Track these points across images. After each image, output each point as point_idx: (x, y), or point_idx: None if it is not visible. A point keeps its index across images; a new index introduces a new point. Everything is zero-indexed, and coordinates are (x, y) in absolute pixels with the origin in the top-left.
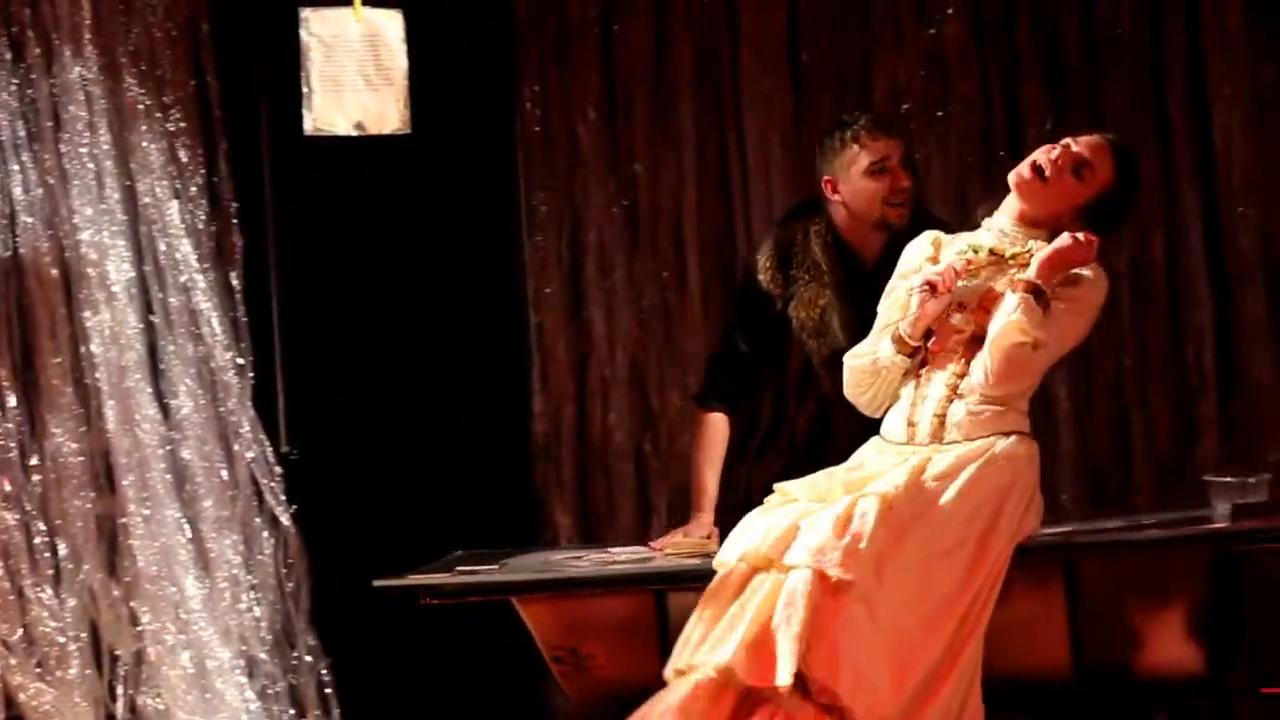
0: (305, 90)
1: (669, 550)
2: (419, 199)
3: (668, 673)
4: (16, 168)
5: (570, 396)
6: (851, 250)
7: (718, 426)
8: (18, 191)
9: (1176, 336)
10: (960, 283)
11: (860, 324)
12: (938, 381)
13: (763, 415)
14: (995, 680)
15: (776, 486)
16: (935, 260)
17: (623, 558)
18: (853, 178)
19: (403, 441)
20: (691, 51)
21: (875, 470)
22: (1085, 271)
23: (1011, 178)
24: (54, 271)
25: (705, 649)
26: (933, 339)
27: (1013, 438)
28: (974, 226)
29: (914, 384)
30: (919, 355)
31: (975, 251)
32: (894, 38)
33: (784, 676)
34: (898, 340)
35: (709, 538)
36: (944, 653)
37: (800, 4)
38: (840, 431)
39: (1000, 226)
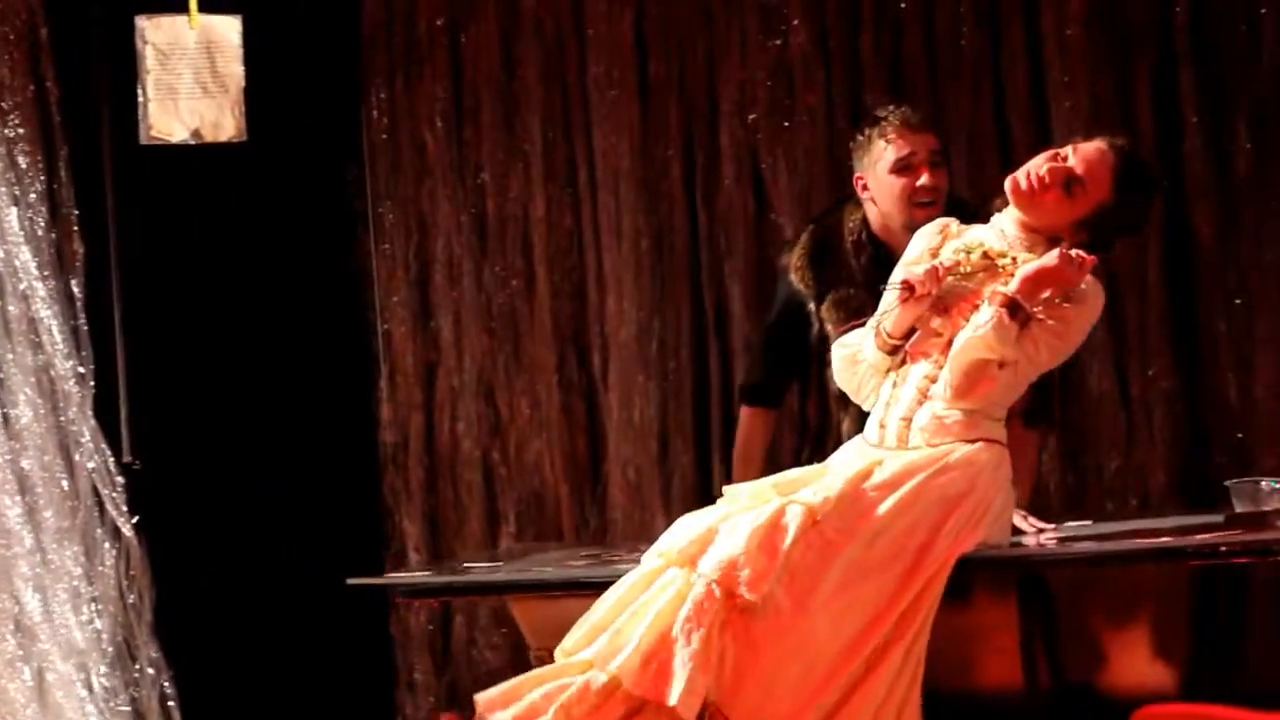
0: (141, 99)
1: None
2: (264, 207)
3: (558, 650)
4: None
5: (418, 405)
6: (885, 250)
7: (759, 424)
8: None
9: None
10: (951, 279)
11: None
12: (911, 383)
13: (809, 419)
14: (948, 700)
15: (725, 489)
16: (936, 253)
17: (622, 558)
18: (879, 174)
19: (248, 451)
20: (539, 61)
21: (825, 472)
22: (1081, 286)
23: (1007, 183)
24: None
25: (602, 640)
26: (915, 337)
27: (977, 445)
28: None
29: (892, 384)
30: (900, 354)
31: (968, 252)
32: (740, 48)
33: (674, 697)
34: (878, 336)
35: None
36: (863, 673)
37: (647, 14)
38: None
39: (1003, 226)
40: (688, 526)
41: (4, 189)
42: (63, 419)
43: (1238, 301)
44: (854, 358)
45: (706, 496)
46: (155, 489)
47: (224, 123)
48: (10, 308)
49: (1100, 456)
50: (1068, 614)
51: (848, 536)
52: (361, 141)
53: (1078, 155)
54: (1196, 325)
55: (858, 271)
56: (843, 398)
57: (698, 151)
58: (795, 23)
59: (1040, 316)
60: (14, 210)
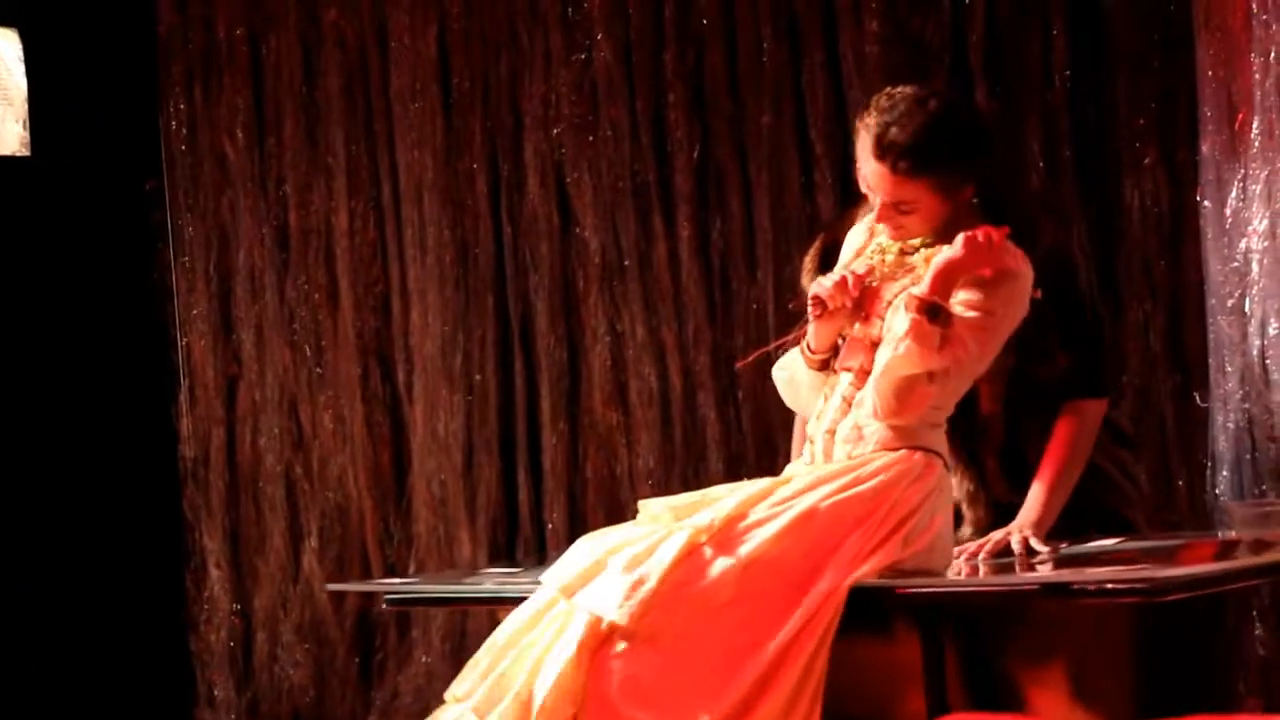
0: None
1: None
2: (60, 220)
3: (448, 694)
4: None
5: (219, 419)
6: None
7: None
8: None
9: None
10: (872, 281)
11: None
12: (837, 393)
13: None
14: None
15: (641, 504)
16: (861, 251)
17: None
18: (862, 166)
19: (45, 466)
20: (341, 72)
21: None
22: (1005, 263)
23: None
24: None
25: (486, 686)
26: (842, 348)
27: (900, 453)
28: None
29: (823, 397)
30: (829, 368)
31: (883, 253)
32: (544, 62)
33: None
34: (803, 354)
35: None
36: (750, 702)
37: (450, 27)
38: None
39: None
40: (579, 554)
41: None
42: None
43: None
44: (792, 379)
45: (512, 510)
46: None
47: (7, 136)
48: None
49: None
50: (969, 647)
51: (729, 560)
52: (160, 152)
53: (874, 184)
54: None
55: None
56: None
57: (502, 165)
58: (599, 37)
59: (961, 311)
60: None
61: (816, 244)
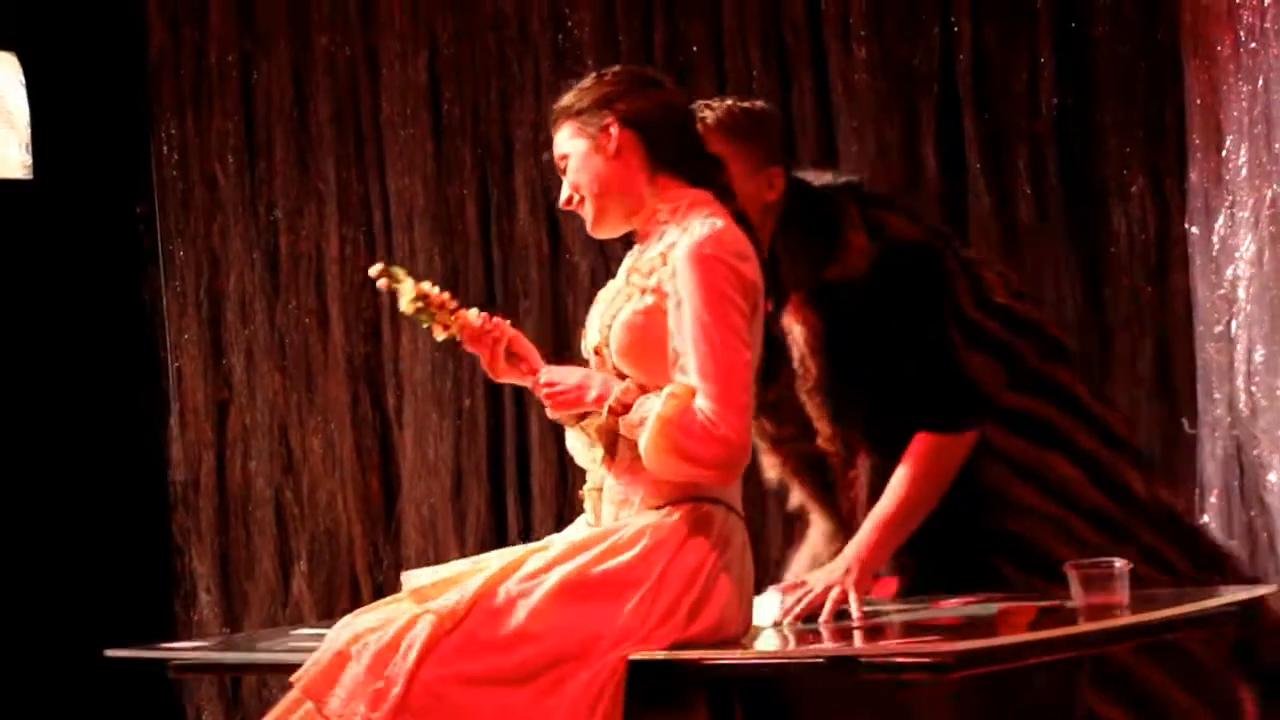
0: None
1: None
2: (51, 244)
3: None
4: None
5: (209, 444)
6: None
7: None
8: None
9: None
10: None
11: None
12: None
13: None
14: None
15: (404, 576)
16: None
17: None
18: None
19: (35, 490)
20: (332, 98)
21: (488, 563)
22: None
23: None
24: None
25: None
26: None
27: (662, 511)
28: None
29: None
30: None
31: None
32: (534, 88)
33: None
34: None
35: None
36: None
37: (440, 54)
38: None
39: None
40: (326, 645)
41: None
42: None
43: None
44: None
45: (501, 535)
46: None
47: (10, 159)
48: None
49: None
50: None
51: (485, 647)
52: (151, 177)
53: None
54: None
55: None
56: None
57: (492, 191)
58: (589, 63)
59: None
60: None
61: None
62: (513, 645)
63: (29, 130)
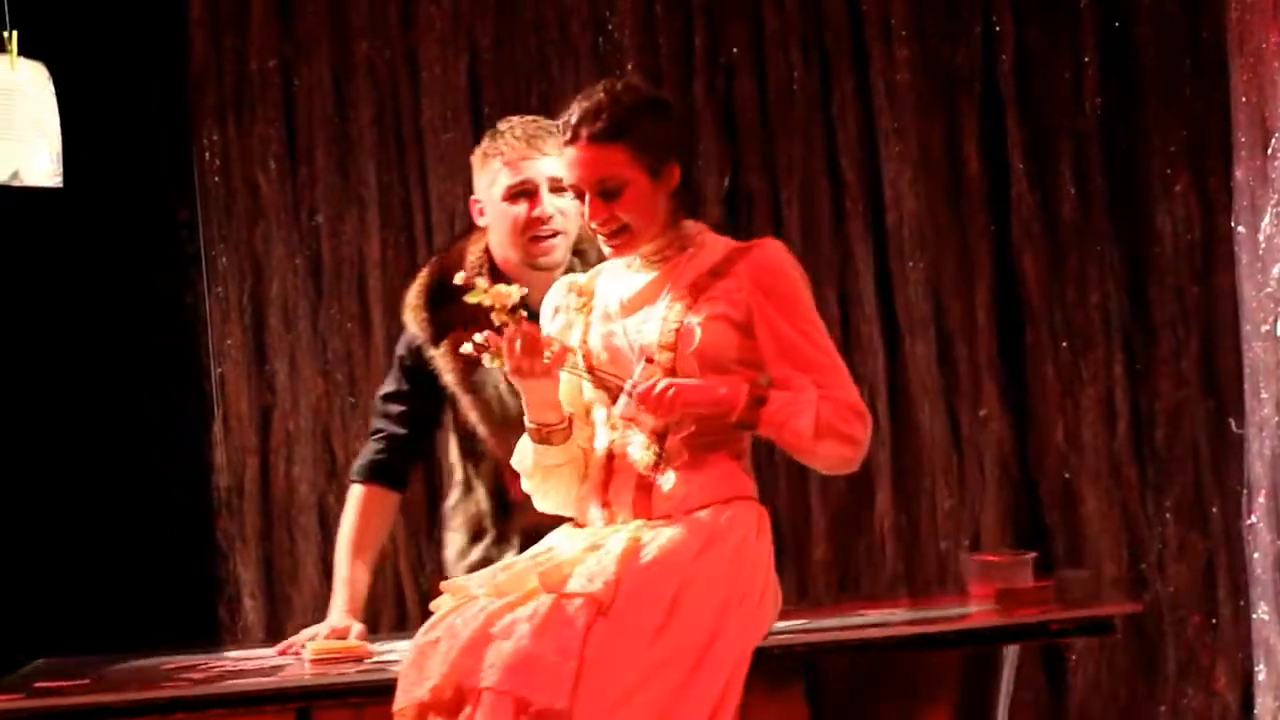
0: None
1: (310, 653)
2: (93, 251)
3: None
4: None
5: (253, 449)
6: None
7: (376, 504)
8: None
9: None
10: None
11: None
12: (633, 448)
13: (454, 472)
14: None
15: (444, 585)
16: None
17: (250, 666)
18: (566, 175)
19: (80, 496)
20: (373, 103)
21: (569, 556)
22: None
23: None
24: None
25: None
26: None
27: (726, 507)
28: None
29: (605, 458)
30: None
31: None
32: (574, 92)
33: None
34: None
35: (358, 638)
36: None
37: (481, 58)
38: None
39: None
40: (441, 655)
41: None
42: None
43: (1064, 344)
44: (540, 470)
45: None
46: None
47: (43, 166)
48: None
49: (934, 496)
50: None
51: (638, 626)
52: (194, 183)
53: (576, 176)
54: (1024, 367)
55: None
56: (474, 459)
57: None
58: (629, 67)
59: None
60: None
61: (424, 272)
62: (663, 630)
63: (59, 139)
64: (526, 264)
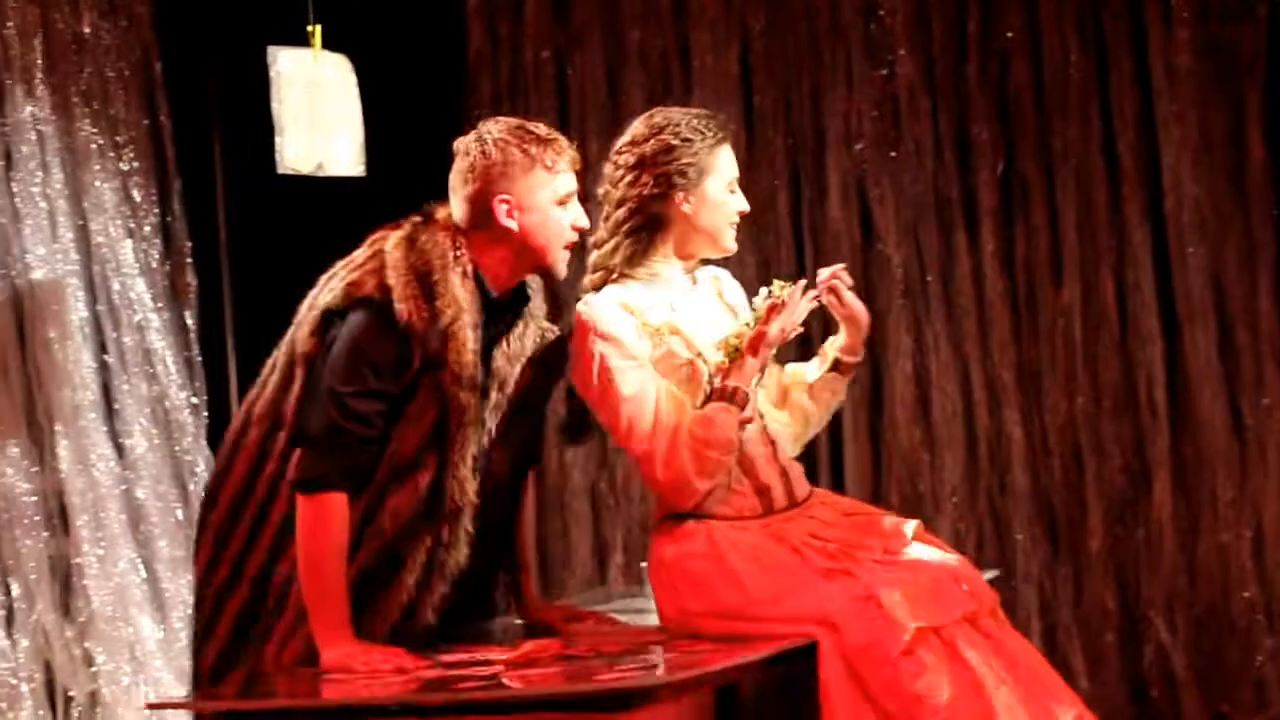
0: (278, 130)
1: None
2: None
3: None
4: None
5: None
6: (486, 286)
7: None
8: None
9: (1129, 376)
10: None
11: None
12: (767, 433)
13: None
14: None
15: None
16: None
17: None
18: (543, 203)
19: None
20: (645, 90)
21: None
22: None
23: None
24: (7, 311)
25: None
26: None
27: None
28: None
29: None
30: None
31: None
32: (845, 78)
33: None
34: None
35: None
36: None
37: (752, 45)
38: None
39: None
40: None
41: (120, 222)
42: (177, 449)
43: None
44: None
45: None
46: None
47: (347, 156)
48: (125, 339)
49: (1214, 487)
50: None
51: None
52: None
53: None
54: None
55: (465, 311)
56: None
57: (804, 182)
58: (901, 53)
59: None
60: (129, 243)
61: (402, 264)
62: None
63: (361, 130)
64: (551, 269)
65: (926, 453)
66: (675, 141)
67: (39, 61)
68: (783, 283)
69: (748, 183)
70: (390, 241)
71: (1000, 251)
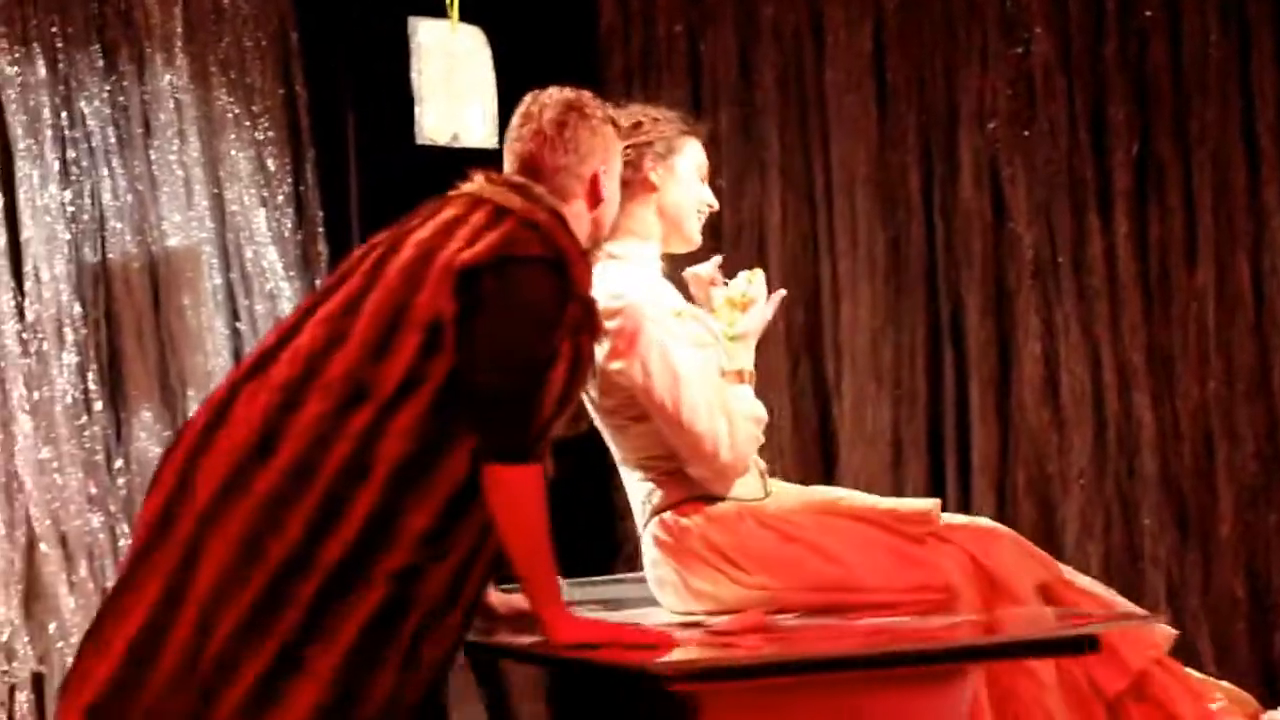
0: (417, 100)
1: None
2: None
3: None
4: (106, 173)
5: None
6: None
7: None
8: (107, 197)
9: (1264, 360)
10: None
11: None
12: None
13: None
14: None
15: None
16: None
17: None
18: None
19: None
20: (777, 66)
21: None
22: None
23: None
24: (142, 277)
25: None
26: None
27: None
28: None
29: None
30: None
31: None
32: (980, 56)
33: None
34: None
35: None
36: None
37: (886, 22)
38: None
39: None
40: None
41: (254, 191)
42: None
43: None
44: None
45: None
46: None
47: (481, 127)
48: (257, 307)
49: None
50: None
51: None
52: None
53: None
54: None
55: None
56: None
57: (936, 159)
58: (1037, 30)
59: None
60: (262, 211)
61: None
62: None
63: (495, 102)
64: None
65: (1055, 435)
66: (646, 121)
67: (178, 30)
68: (750, 274)
69: (879, 156)
70: (517, 202)
71: (1134, 233)
